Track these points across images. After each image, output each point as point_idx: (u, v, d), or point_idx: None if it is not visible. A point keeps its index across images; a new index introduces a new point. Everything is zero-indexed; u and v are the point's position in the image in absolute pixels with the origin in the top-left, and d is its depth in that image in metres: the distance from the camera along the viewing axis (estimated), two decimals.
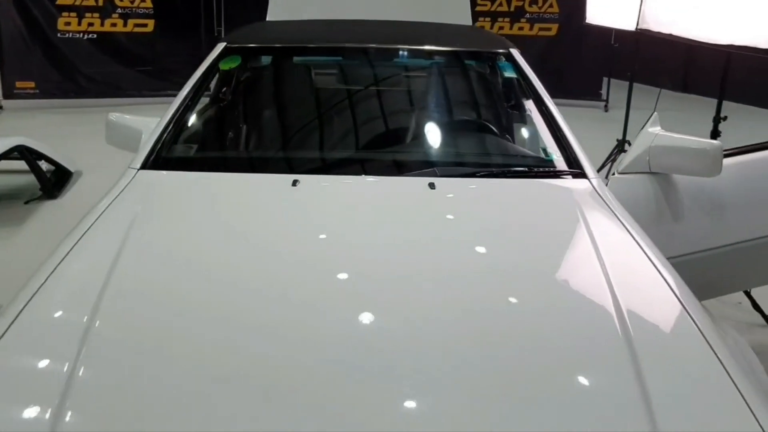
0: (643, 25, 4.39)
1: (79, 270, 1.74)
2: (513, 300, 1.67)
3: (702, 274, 2.61)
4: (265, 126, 2.74)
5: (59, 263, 1.74)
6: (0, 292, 3.49)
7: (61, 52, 8.54)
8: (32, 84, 8.48)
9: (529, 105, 2.65)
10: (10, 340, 1.45)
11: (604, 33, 7.32)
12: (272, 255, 1.79)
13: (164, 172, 2.33)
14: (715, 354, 1.45)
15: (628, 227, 1.97)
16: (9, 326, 1.48)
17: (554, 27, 9.32)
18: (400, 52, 2.86)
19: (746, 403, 1.31)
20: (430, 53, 2.90)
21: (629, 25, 4.54)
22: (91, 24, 8.63)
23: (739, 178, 2.73)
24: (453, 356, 1.42)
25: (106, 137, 2.80)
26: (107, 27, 8.71)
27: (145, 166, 2.35)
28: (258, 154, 2.60)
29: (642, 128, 2.71)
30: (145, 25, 8.85)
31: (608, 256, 1.79)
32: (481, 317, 1.56)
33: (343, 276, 1.71)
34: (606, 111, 9.01)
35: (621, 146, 5.65)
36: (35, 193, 5.06)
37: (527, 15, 9.35)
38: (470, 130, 2.69)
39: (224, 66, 2.77)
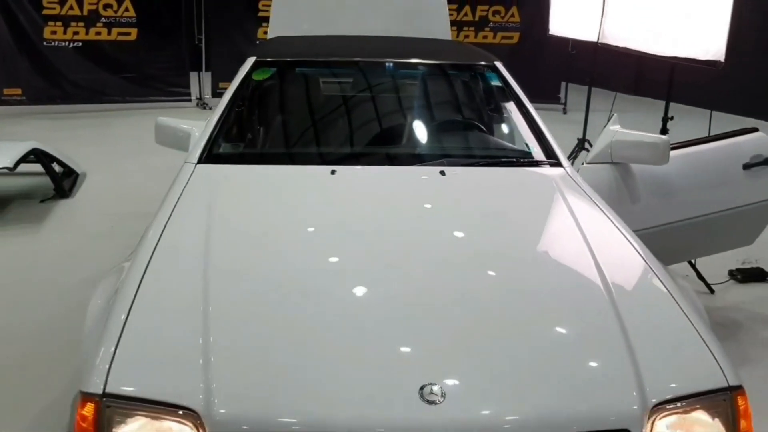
0: (603, 40, 5.02)
1: (178, 246, 2.18)
2: (514, 254, 2.22)
3: (654, 246, 3.20)
4: (299, 126, 3.24)
5: (158, 241, 2.18)
6: (31, 282, 3.91)
7: (47, 59, 8.87)
8: (19, 91, 8.79)
9: (513, 108, 3.21)
10: (141, 311, 1.83)
11: (562, 41, 7.95)
12: (328, 228, 2.31)
13: (219, 165, 2.82)
14: (675, 301, 1.98)
15: (598, 203, 2.54)
16: (133, 301, 1.85)
17: (516, 35, 9.98)
18: (409, 65, 3.40)
19: (701, 337, 1.83)
20: (434, 66, 3.45)
21: (591, 38, 5.15)
22: (76, 33, 8.97)
23: (683, 167, 3.34)
24: (462, 298, 1.94)
25: (155, 138, 3.24)
26: (92, 35, 9.05)
27: (200, 161, 2.83)
28: (298, 149, 3.09)
29: (605, 127, 3.30)
30: (129, 34, 9.22)
31: (585, 225, 2.35)
32: (486, 266, 2.11)
33: (381, 236, 2.26)
34: (564, 113, 9.69)
35: (581, 144, 6.29)
36: (48, 192, 5.44)
37: (491, 24, 9.99)
38: (468, 129, 3.25)
39: (257, 77, 3.25)
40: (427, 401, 1.55)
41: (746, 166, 3.47)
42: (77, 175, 5.89)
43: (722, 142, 3.49)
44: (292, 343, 1.75)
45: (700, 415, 1.68)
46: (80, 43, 9.01)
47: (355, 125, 3.20)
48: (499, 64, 3.36)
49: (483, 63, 3.36)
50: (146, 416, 1.61)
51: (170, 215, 2.38)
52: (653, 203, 3.30)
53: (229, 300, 1.91)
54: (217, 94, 9.57)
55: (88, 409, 1.62)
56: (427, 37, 4.17)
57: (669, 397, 1.65)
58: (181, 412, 1.58)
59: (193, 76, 9.70)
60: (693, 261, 4.06)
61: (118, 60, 9.19)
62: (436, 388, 1.57)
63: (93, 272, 4.09)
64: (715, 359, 1.76)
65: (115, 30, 9.15)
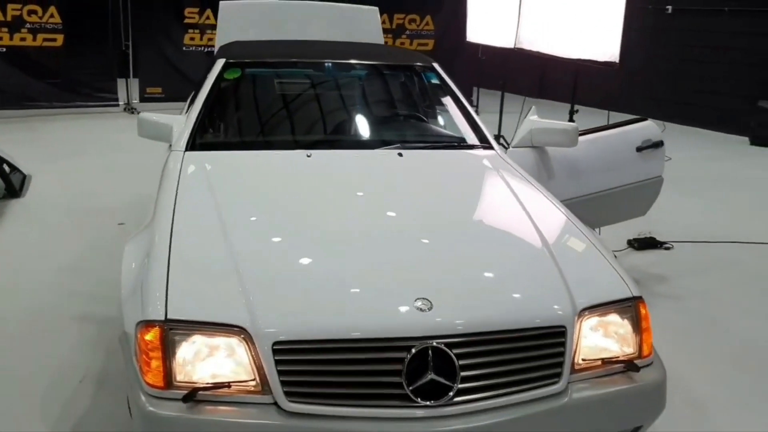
0: (518, 45, 5.71)
1: (194, 210, 2.65)
2: (464, 209, 2.81)
3: None
4: (271, 117, 3.71)
5: (174, 208, 2.63)
6: (9, 271, 4.17)
7: None
8: None
9: (450, 102, 3.80)
10: (179, 255, 2.28)
11: (473, 48, 8.69)
12: (316, 191, 2.86)
13: (206, 152, 3.26)
14: (588, 238, 2.61)
15: (524, 175, 3.16)
16: (169, 250, 2.30)
17: (431, 42, 10.69)
18: (364, 66, 3.93)
19: (610, 264, 2.43)
20: (387, 66, 4.00)
21: (505, 44, 5.85)
22: (0, 38, 8.96)
23: (589, 150, 4.01)
24: (430, 233, 2.54)
25: (138, 131, 3.62)
26: (17, 41, 9.09)
27: (188, 148, 3.26)
28: (274, 137, 3.56)
29: (525, 117, 3.93)
30: (54, 40, 9.30)
31: (515, 189, 2.96)
32: (445, 213, 2.72)
33: (357, 198, 2.86)
34: (477, 114, 10.45)
35: (497, 138, 7.00)
36: (0, 192, 5.62)
37: (407, 32, 10.66)
38: (416, 120, 3.82)
39: (229, 76, 3.69)
40: (420, 309, 2.08)
41: (639, 149, 4.20)
42: (25, 176, 6.07)
43: (620, 128, 4.21)
44: (307, 269, 2.29)
45: (614, 318, 2.29)
46: (5, 49, 9.04)
47: (321, 116, 3.72)
48: (436, 65, 3.95)
49: (425, 64, 3.93)
50: (203, 335, 2.06)
51: (177, 189, 2.82)
52: (565, 180, 3.96)
53: (250, 241, 2.42)
54: (145, 99, 9.80)
55: (153, 334, 2.05)
56: (363, 42, 4.71)
57: (591, 304, 2.25)
58: (232, 330, 2.04)
59: (121, 82, 9.86)
60: (598, 231, 4.77)
61: (44, 66, 9.27)
62: (424, 301, 2.10)
63: (66, 259, 4.42)
64: (622, 278, 2.38)
65: (40, 36, 9.23)
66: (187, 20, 10.01)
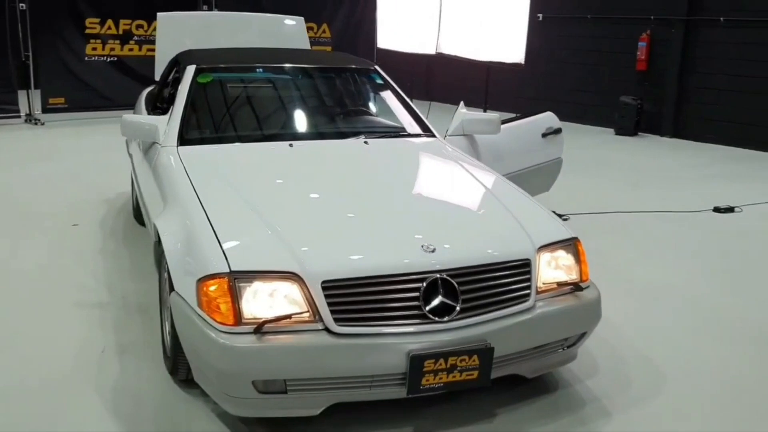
0: (439, 50, 6.49)
1: (213, 187, 3.18)
2: (432, 179, 3.52)
3: None
4: (247, 114, 4.22)
5: (194, 188, 3.14)
6: None
7: None
8: None
9: (393, 98, 4.47)
10: (218, 220, 2.83)
11: (368, 55, 9.39)
12: (308, 171, 3.47)
13: (197, 146, 3.74)
14: (527, 197, 3.37)
15: (466, 156, 3.89)
16: (208, 218, 2.85)
17: (328, 49, 11.32)
18: (322, 69, 4.52)
19: (551, 215, 3.20)
20: (341, 69, 4.62)
21: (429, 50, 6.59)
22: None
23: (507, 136, 4.81)
24: (410, 195, 3.32)
25: (121, 131, 4.00)
26: None
27: (180, 144, 3.74)
28: (256, 132, 4.07)
29: (456, 111, 4.66)
30: None
31: (466, 165, 3.68)
32: (415, 180, 3.46)
33: (344, 174, 3.50)
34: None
35: None
36: None
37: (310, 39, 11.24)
38: (370, 114, 4.47)
39: (202, 80, 4.17)
40: (427, 251, 2.72)
41: (544, 135, 5.06)
42: None
43: (529, 118, 5.05)
44: (330, 224, 2.91)
45: (561, 254, 3.04)
46: None
47: (292, 113, 4.28)
48: (378, 68, 4.61)
49: (369, 67, 4.58)
50: (262, 281, 2.60)
51: (187, 173, 3.33)
52: (491, 161, 4.71)
53: (273, 206, 3.01)
54: (48, 110, 9.77)
55: (221, 285, 2.57)
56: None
57: (544, 243, 2.98)
58: (286, 275, 2.59)
59: (22, 93, 9.75)
60: None
61: None
62: (429, 245, 2.75)
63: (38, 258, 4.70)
64: (561, 225, 3.15)
65: None
66: (88, 30, 10.07)
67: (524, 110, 6.00)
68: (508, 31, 5.55)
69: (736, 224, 6.00)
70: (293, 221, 2.91)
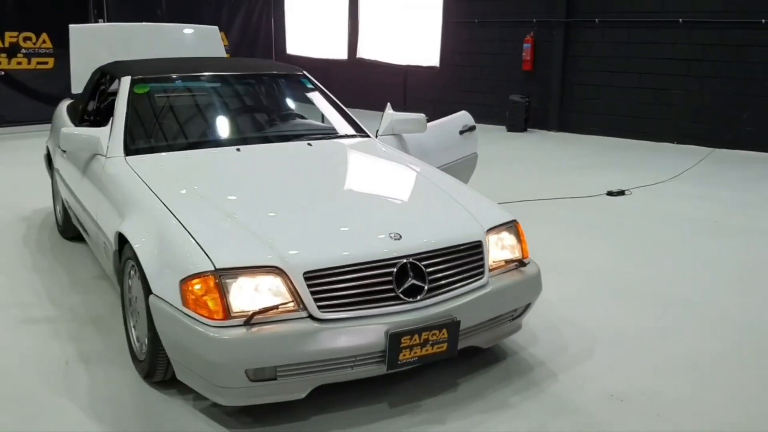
0: (359, 55, 6.76)
1: (173, 192, 3.31)
2: (379, 174, 3.79)
3: None
4: (188, 122, 4.29)
5: (155, 193, 3.26)
6: None
7: None
8: None
9: (324, 102, 4.70)
10: (191, 223, 2.97)
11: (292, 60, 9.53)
12: (260, 173, 3.66)
13: (144, 155, 3.82)
14: (466, 187, 3.71)
15: (400, 152, 4.19)
16: (179, 221, 2.98)
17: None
18: (253, 76, 4.68)
19: (490, 203, 3.54)
20: (271, 75, 4.78)
21: (341, 56, 6.84)
22: None
23: (430, 134, 5.15)
24: (357, 194, 3.58)
25: (61, 144, 3.99)
26: None
27: (127, 153, 3.80)
28: (200, 138, 4.15)
29: (385, 112, 4.94)
30: None
31: (404, 160, 3.99)
32: (365, 178, 3.76)
33: (297, 174, 3.71)
34: None
35: None
36: None
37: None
38: (306, 118, 4.66)
39: (139, 90, 4.22)
40: (395, 239, 2.98)
41: (461, 132, 5.45)
42: None
43: (448, 117, 5.42)
44: (298, 219, 3.13)
45: (505, 235, 3.38)
46: None
47: (232, 119, 4.41)
48: (307, 73, 4.82)
49: (299, 73, 4.78)
50: (246, 276, 2.76)
51: (142, 180, 3.44)
52: (419, 158, 5.05)
53: (238, 206, 3.21)
54: None
55: (207, 282, 2.72)
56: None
57: (491, 226, 3.32)
58: (269, 269, 2.77)
59: None
60: None
61: None
62: (395, 234, 3.01)
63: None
64: (501, 209, 3.51)
65: None
66: None
67: (428, 111, 6.38)
68: (425, 35, 5.91)
69: (629, 205, 6.66)
70: (264, 220, 3.08)
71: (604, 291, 4.47)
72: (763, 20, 8.90)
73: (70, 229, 5.09)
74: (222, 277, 2.74)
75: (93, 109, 4.85)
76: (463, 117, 5.55)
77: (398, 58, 6.27)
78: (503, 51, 11.37)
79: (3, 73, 9.91)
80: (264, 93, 4.83)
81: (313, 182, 3.61)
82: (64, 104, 5.57)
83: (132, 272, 3.25)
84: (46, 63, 10.23)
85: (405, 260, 2.94)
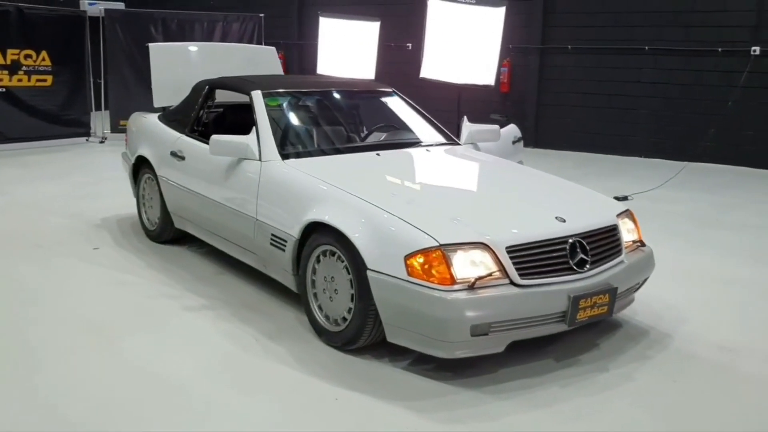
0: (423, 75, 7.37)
1: (364, 189, 3.81)
2: (498, 172, 4.49)
3: None
4: (326, 130, 4.82)
5: (352, 194, 3.76)
6: None
7: None
8: None
9: (417, 114, 5.31)
10: (396, 212, 3.54)
11: None
12: (404, 173, 4.28)
13: (297, 159, 4.31)
14: (578, 185, 4.42)
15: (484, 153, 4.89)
16: (376, 207, 3.56)
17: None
18: (356, 92, 5.34)
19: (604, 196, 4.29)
20: (371, 92, 5.40)
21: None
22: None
23: (496, 143, 5.83)
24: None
25: (210, 150, 4.41)
26: None
27: (283, 158, 4.29)
28: (346, 145, 4.73)
29: (463, 123, 5.58)
30: None
31: (511, 163, 4.65)
32: (490, 175, 4.46)
33: (425, 172, 4.44)
34: None
35: None
36: None
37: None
38: (410, 130, 5.22)
39: (271, 103, 4.70)
40: (562, 221, 3.63)
41: (514, 142, 6.17)
42: None
43: (504, 129, 6.13)
44: (473, 206, 3.81)
45: (627, 220, 4.08)
46: None
47: (355, 128, 4.97)
48: (396, 91, 5.43)
49: (390, 90, 5.39)
50: (463, 251, 3.34)
51: (324, 180, 3.94)
52: None
53: (422, 197, 3.80)
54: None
55: (435, 255, 3.28)
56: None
57: (618, 212, 4.02)
58: (479, 245, 3.36)
59: None
60: None
61: None
62: (560, 218, 3.66)
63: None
64: (614, 201, 4.24)
65: None
66: None
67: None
68: (482, 58, 6.66)
69: (643, 207, 7.52)
70: (452, 207, 3.67)
71: (667, 273, 5.26)
72: (720, 49, 10.16)
73: (167, 232, 5.44)
74: (446, 250, 3.30)
75: (204, 120, 5.27)
76: (513, 129, 6.29)
77: (449, 77, 6.93)
78: None
79: (4, 89, 9.92)
80: (369, 107, 5.40)
81: (462, 180, 4.22)
82: (148, 117, 5.86)
83: (321, 257, 3.76)
84: (45, 81, 10.30)
85: (572, 239, 3.59)
